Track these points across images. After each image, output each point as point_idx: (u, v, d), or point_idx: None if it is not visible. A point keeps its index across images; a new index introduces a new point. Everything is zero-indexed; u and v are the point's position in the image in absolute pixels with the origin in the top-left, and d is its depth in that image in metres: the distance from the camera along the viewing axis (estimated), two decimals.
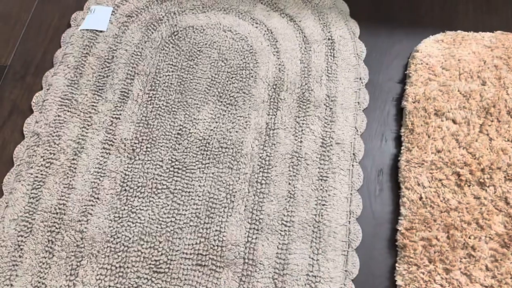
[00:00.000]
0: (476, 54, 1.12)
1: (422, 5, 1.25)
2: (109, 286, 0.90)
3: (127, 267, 0.92)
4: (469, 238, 0.91)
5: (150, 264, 0.92)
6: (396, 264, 0.92)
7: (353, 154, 1.03)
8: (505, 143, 1.00)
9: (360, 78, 1.12)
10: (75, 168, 1.02)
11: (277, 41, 1.18)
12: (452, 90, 1.07)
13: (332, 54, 1.15)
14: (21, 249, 0.94)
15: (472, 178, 0.97)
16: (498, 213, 0.94)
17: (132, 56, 1.16)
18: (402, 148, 1.02)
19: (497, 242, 0.91)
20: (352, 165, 1.01)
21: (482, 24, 1.21)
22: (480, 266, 0.89)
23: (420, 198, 0.96)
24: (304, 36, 1.18)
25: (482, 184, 0.97)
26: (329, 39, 1.17)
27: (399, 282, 0.89)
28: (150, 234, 0.94)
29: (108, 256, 0.93)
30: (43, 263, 0.92)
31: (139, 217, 0.96)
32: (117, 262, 0.92)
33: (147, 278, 0.90)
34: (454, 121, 1.03)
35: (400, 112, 1.09)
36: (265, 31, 1.19)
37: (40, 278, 0.91)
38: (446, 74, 1.09)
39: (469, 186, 0.96)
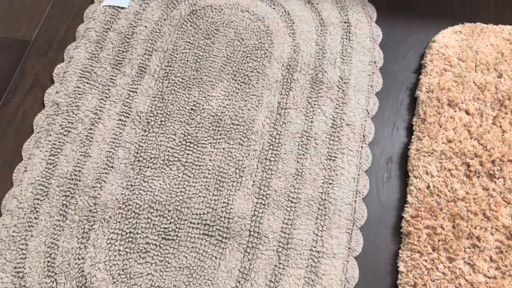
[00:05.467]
0: (494, 47, 1.10)
1: None
2: (119, 250, 0.93)
3: (137, 233, 0.95)
4: (475, 228, 0.91)
5: (159, 231, 0.95)
6: (400, 251, 0.92)
7: (363, 136, 1.03)
8: None
9: (375, 62, 1.12)
10: (91, 138, 1.05)
11: (293, 23, 1.19)
12: (467, 81, 1.06)
13: (348, 37, 1.15)
14: (37, 211, 0.98)
15: (481, 169, 0.96)
16: (506, 205, 0.93)
17: (151, 33, 1.19)
18: (413, 137, 1.02)
19: (503, 234, 0.90)
20: (361, 147, 1.02)
21: (503, 17, 1.19)
22: (484, 256, 0.89)
23: (428, 187, 0.96)
24: (321, 19, 1.19)
25: (491, 175, 0.96)
26: (345, 22, 1.18)
27: (401, 268, 0.90)
28: (160, 203, 0.97)
29: (119, 222, 0.96)
30: (57, 226, 0.96)
31: (150, 186, 0.99)
32: (127, 228, 0.95)
33: (155, 244, 0.93)
34: (467, 112, 1.03)
35: (413, 102, 1.09)
36: (282, 12, 1.20)
37: (53, 239, 0.95)
38: (462, 65, 1.08)
39: (478, 177, 0.96)
